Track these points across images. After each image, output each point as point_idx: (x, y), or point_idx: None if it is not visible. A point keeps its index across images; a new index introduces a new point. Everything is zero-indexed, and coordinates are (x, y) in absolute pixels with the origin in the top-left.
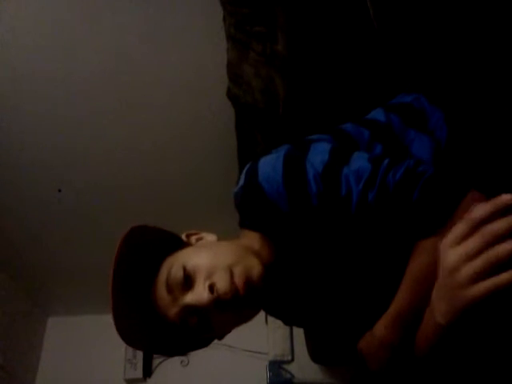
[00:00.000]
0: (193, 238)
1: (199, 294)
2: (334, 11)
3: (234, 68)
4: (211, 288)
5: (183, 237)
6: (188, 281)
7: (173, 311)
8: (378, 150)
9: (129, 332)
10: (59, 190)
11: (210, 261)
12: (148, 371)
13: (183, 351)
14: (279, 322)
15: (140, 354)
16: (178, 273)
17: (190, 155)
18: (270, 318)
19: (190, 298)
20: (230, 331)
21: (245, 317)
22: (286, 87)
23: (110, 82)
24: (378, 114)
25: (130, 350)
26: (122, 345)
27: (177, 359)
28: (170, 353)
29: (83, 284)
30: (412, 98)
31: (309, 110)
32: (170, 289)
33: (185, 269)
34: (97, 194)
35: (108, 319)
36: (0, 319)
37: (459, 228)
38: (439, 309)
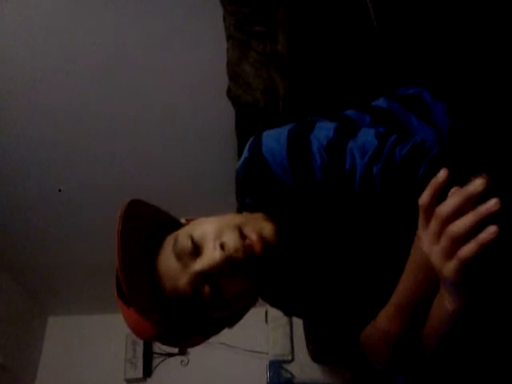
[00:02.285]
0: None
1: (210, 256)
2: (334, 11)
3: (234, 67)
4: (222, 246)
5: (182, 220)
6: (197, 248)
7: (184, 280)
8: (382, 130)
9: (143, 307)
10: (59, 190)
11: (216, 224)
12: (148, 371)
13: (194, 334)
14: (280, 322)
15: (140, 354)
16: (185, 242)
17: (191, 155)
18: (271, 318)
19: (201, 262)
20: (240, 313)
21: (258, 288)
22: (286, 87)
23: (110, 81)
24: (380, 102)
25: (131, 349)
26: (123, 344)
27: (177, 359)
28: (181, 337)
29: (84, 284)
30: (415, 90)
31: (309, 110)
32: (178, 258)
33: (192, 237)
34: (97, 194)
35: (108, 318)
36: (0, 318)
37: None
38: (446, 296)
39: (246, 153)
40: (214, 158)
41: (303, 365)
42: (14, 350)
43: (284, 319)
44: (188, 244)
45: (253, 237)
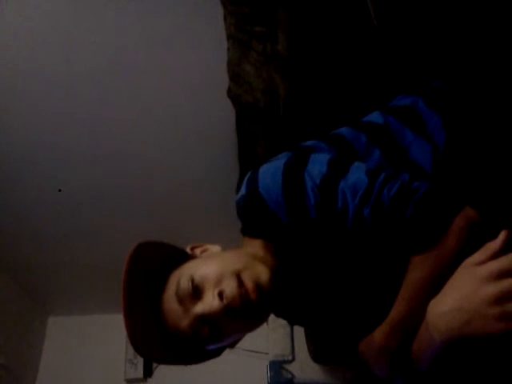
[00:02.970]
0: (197, 251)
1: (209, 303)
2: (335, 11)
3: (235, 68)
4: (220, 295)
5: (188, 250)
6: (197, 291)
7: (185, 322)
8: (376, 155)
9: (144, 346)
10: (59, 190)
11: (216, 269)
12: (149, 371)
13: (195, 361)
14: (280, 322)
15: None
16: (186, 284)
17: (191, 155)
18: (271, 318)
19: (201, 307)
20: (241, 338)
21: (256, 323)
22: (287, 87)
23: (110, 81)
24: (375, 117)
25: (131, 349)
26: (123, 345)
27: None
28: (182, 363)
29: (84, 284)
30: (410, 100)
31: (309, 110)
32: (180, 300)
33: (193, 280)
34: (97, 194)
35: (108, 318)
36: (1, 318)
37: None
38: (437, 325)
39: (243, 189)
40: (214, 157)
41: (304, 365)
42: (14, 351)
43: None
44: (189, 287)
45: (249, 285)
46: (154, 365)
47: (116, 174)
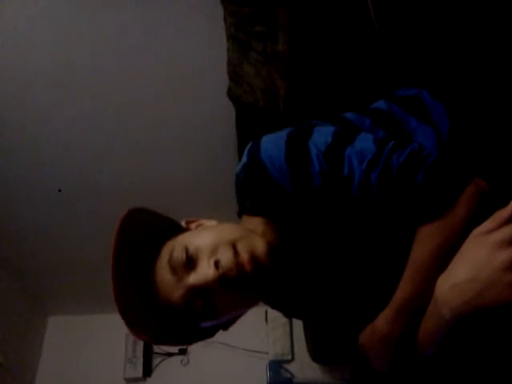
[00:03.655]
0: (193, 225)
1: (204, 272)
2: (335, 11)
3: (235, 67)
4: (216, 264)
5: (183, 223)
6: (191, 261)
7: (177, 293)
8: (381, 135)
9: (133, 319)
10: (59, 190)
11: (212, 239)
12: (148, 370)
13: (188, 340)
14: (279, 322)
15: (140, 353)
16: (180, 254)
17: (191, 155)
18: (270, 318)
19: (195, 277)
20: (234, 319)
21: (249, 300)
22: (287, 87)
23: (109, 81)
24: (379, 104)
25: (130, 349)
26: (122, 344)
27: (177, 358)
28: (174, 342)
29: (83, 283)
30: (415, 91)
31: (309, 110)
32: (173, 271)
33: (187, 250)
34: (97, 194)
35: (108, 318)
36: (0, 318)
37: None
38: (448, 300)
39: (244, 158)
40: (214, 157)
41: (303, 364)
42: (13, 350)
43: (284, 319)
44: (183, 257)
45: (244, 256)
46: (154, 364)
47: (116, 174)
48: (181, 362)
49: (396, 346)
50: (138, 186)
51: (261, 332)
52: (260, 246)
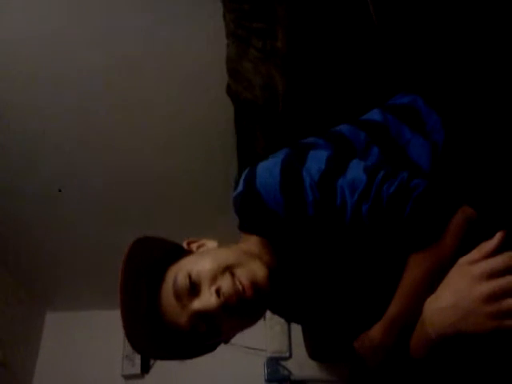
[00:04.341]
0: (194, 246)
1: (207, 300)
2: (334, 8)
3: (234, 64)
4: (218, 292)
5: (184, 245)
6: (194, 288)
7: (183, 319)
8: (375, 152)
9: (140, 342)
10: (59, 190)
11: (212, 265)
12: (146, 367)
13: (191, 356)
14: (277, 319)
15: None
16: (183, 281)
17: (190, 152)
18: (269, 315)
19: (198, 304)
20: (236, 334)
21: (252, 320)
22: (286, 84)
23: (109, 81)
24: (374, 115)
25: (128, 345)
26: (120, 341)
27: None
28: (179, 358)
29: (81, 280)
30: (409, 99)
31: (308, 107)
32: (177, 297)
33: (190, 276)
34: (97, 194)
35: (106, 315)
36: None
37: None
38: (432, 321)
39: (241, 186)
40: (213, 154)
41: (301, 362)
42: (11, 346)
43: None
44: (186, 283)
45: (245, 283)
46: (151, 361)
47: (116, 173)
48: None
49: (388, 353)
50: (137, 184)
51: (259, 329)
52: (260, 272)
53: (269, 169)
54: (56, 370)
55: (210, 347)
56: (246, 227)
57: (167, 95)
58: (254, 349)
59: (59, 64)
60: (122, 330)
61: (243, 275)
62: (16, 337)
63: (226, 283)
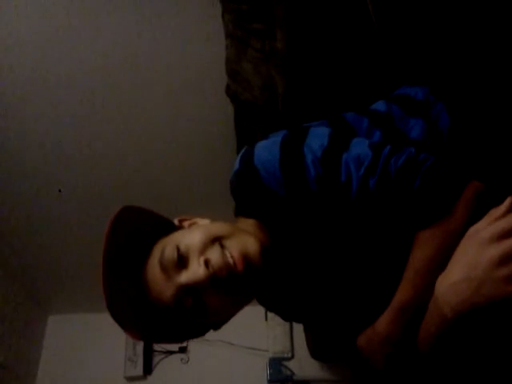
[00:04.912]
0: (186, 223)
1: (195, 271)
2: (333, 8)
3: (233, 65)
4: (206, 263)
5: (175, 221)
6: (182, 260)
7: (168, 292)
8: (377, 136)
9: (123, 316)
10: (59, 190)
11: (201, 236)
12: (148, 369)
13: (178, 338)
14: (279, 319)
15: (140, 352)
16: (171, 253)
17: (190, 153)
18: (270, 315)
19: (186, 276)
20: (224, 319)
21: (240, 301)
22: (285, 84)
23: (109, 81)
24: (379, 105)
25: (131, 347)
26: (123, 342)
27: (177, 357)
28: (165, 339)
29: (83, 282)
30: (414, 89)
31: (308, 107)
32: (164, 269)
33: (178, 248)
34: (97, 194)
35: (108, 317)
36: (0, 317)
37: (500, 225)
38: (447, 299)
39: (237, 164)
40: (212, 155)
41: (303, 362)
42: (14, 349)
43: None
44: (174, 255)
45: (235, 254)
46: (154, 362)
47: (116, 172)
48: (181, 360)
49: (396, 347)
50: (137, 185)
51: (261, 330)
52: (252, 246)
53: (267, 146)
54: (59, 372)
55: (198, 331)
56: (242, 210)
57: (167, 96)
58: (256, 349)
59: (61, 64)
60: (122, 330)
61: (234, 247)
62: (18, 339)
63: (215, 254)
